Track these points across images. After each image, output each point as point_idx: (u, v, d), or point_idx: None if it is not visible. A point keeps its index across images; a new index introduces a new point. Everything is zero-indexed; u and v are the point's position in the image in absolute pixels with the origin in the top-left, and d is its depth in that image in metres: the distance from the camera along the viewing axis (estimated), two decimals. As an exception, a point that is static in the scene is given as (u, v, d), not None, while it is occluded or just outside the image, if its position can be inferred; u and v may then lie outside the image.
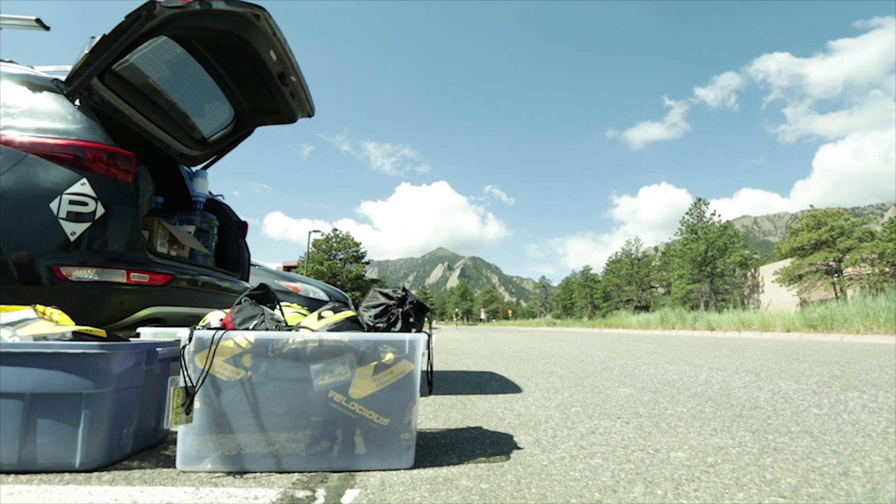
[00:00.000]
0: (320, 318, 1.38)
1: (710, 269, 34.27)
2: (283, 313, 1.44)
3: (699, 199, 36.75)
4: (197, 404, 1.16)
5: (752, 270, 36.45)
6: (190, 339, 1.17)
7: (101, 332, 1.29)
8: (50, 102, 1.91)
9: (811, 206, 33.40)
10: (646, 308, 36.40)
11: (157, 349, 1.35)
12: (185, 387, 1.15)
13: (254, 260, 4.53)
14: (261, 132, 3.28)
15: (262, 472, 1.15)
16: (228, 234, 3.21)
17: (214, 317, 1.44)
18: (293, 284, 4.89)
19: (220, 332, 1.18)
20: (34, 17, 2.63)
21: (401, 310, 1.39)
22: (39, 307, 1.35)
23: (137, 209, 1.95)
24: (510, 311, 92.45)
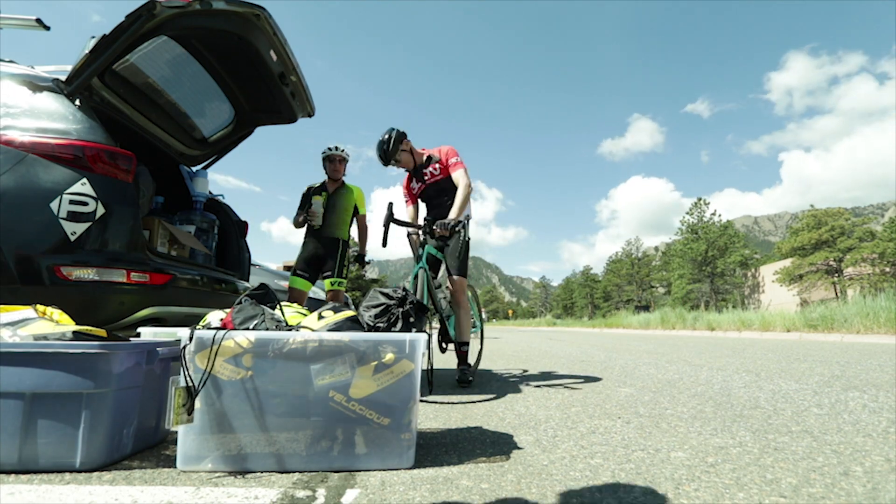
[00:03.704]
0: (320, 317, 1.38)
1: (710, 269, 34.27)
2: (283, 313, 1.44)
3: (699, 199, 36.77)
4: (197, 404, 1.16)
5: (753, 270, 36.42)
6: (190, 339, 1.17)
7: (102, 332, 1.29)
8: (50, 102, 1.91)
9: (811, 205, 33.40)
10: (646, 308, 36.39)
11: (158, 349, 1.35)
12: (187, 387, 1.15)
13: (254, 260, 4.53)
14: (258, 132, 3.29)
15: (262, 472, 1.16)
16: (228, 233, 3.21)
17: (214, 317, 1.44)
18: (293, 284, 4.88)
19: (222, 331, 1.18)
20: (34, 17, 2.63)
21: (401, 310, 1.39)
22: (40, 307, 1.36)
23: (138, 209, 1.95)
24: (510, 311, 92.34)
